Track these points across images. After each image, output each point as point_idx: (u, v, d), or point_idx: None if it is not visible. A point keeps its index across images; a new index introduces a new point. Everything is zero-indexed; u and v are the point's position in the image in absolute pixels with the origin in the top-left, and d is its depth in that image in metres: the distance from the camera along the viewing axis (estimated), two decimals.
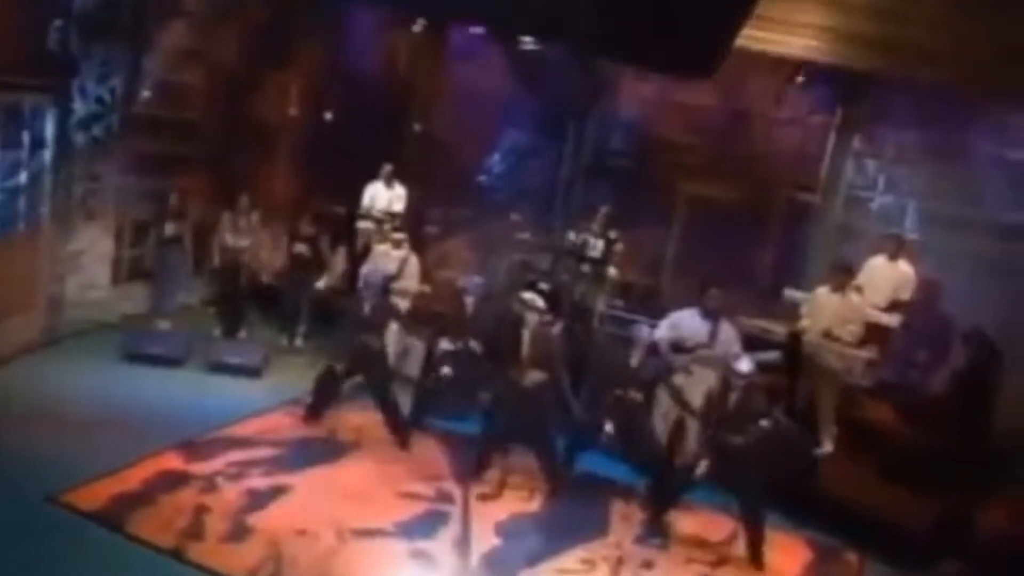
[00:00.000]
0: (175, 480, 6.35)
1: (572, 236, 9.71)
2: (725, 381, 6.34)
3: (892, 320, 8.26)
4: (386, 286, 7.87)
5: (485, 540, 6.12)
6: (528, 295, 7.32)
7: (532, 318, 6.89)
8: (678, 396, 6.94)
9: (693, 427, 7.24)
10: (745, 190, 10.29)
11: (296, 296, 9.42)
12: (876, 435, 7.90)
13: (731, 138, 10.45)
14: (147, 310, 9.45)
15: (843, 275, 7.80)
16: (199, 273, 9.96)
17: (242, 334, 9.39)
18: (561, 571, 5.93)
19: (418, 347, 8.64)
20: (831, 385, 7.77)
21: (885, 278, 8.38)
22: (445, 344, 7.53)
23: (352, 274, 9.67)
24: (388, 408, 7.27)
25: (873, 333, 8.06)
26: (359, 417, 7.71)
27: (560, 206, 11.29)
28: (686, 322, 7.38)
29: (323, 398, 7.44)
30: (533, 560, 5.97)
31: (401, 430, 7.24)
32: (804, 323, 7.92)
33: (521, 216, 10.09)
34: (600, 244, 9.67)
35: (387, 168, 10.10)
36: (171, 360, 8.41)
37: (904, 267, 8.53)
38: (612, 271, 9.60)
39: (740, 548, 6.41)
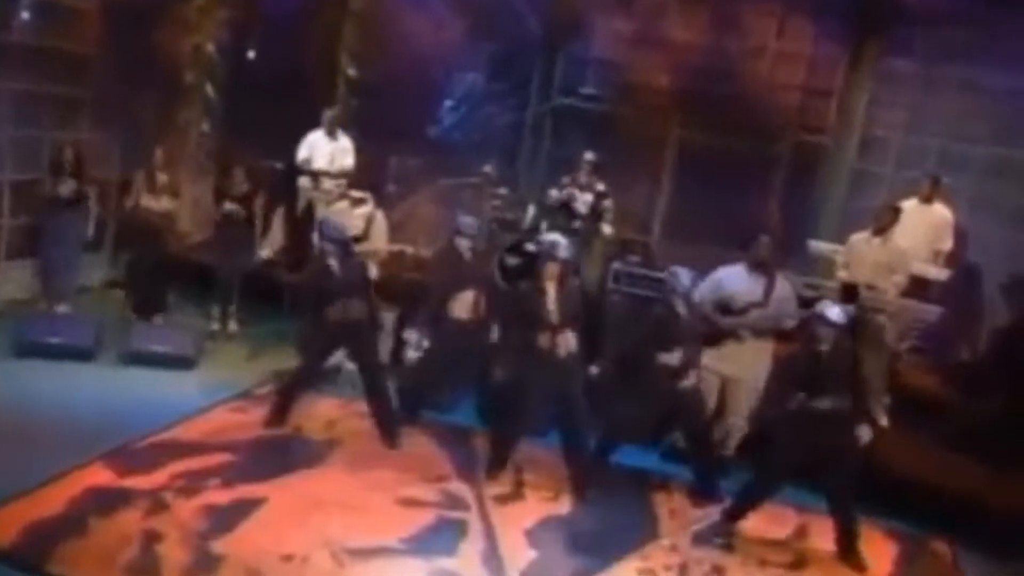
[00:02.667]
0: (109, 500, 5.37)
1: (554, 192, 8.95)
2: (810, 335, 5.62)
3: (939, 273, 7.73)
4: (349, 248, 6.85)
5: (518, 553, 5.35)
6: (551, 236, 6.46)
7: (552, 269, 6.02)
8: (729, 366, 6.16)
9: (744, 403, 6.64)
10: (744, 135, 9.68)
11: (228, 270, 8.33)
12: (927, 405, 7.41)
13: (726, 76, 9.83)
14: (37, 293, 8.25)
15: (888, 217, 7.22)
16: (101, 245, 8.76)
17: (158, 319, 8.25)
18: None
19: (388, 324, 7.76)
20: (880, 347, 7.19)
21: (920, 223, 7.83)
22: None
23: (294, 242, 8.69)
24: (379, 395, 6.30)
25: (915, 288, 7.53)
26: (329, 409, 6.80)
27: (527, 157, 10.49)
28: (733, 279, 6.68)
29: (288, 400, 6.47)
30: (582, 575, 5.20)
31: (390, 424, 6.29)
32: (841, 275, 7.32)
33: (493, 168, 9.21)
34: (588, 198, 8.96)
35: (330, 114, 9.08)
36: (78, 352, 7.31)
37: (941, 210, 8.04)
38: (607, 229, 8.88)
39: (815, 543, 5.82)
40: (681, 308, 6.07)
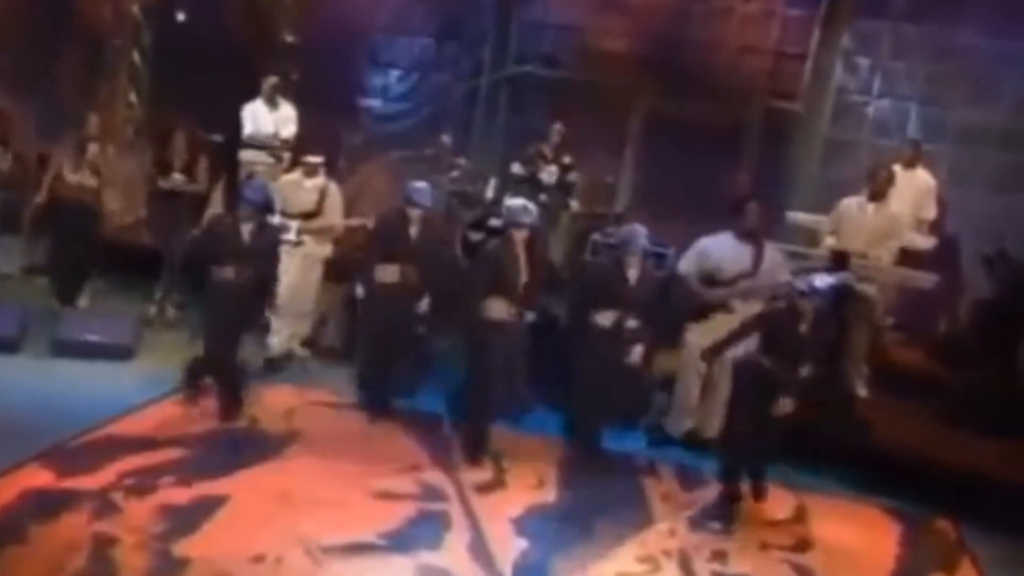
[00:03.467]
0: (51, 503, 5.06)
1: (516, 165, 8.82)
2: (791, 306, 5.57)
3: (925, 242, 7.77)
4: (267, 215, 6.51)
5: (507, 544, 5.20)
6: (516, 201, 6.30)
7: (519, 235, 5.94)
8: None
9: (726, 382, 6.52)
10: (713, 102, 9.64)
11: (167, 249, 7.99)
12: (917, 381, 7.46)
13: (692, 40, 9.80)
14: None
15: (884, 180, 7.18)
16: (16, 227, 8.33)
17: (83, 302, 7.87)
18: (620, 575, 5.06)
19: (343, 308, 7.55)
20: (865, 318, 7.19)
21: (905, 189, 7.80)
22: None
23: None
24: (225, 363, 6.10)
25: (901, 259, 7.54)
26: (285, 398, 6.56)
27: (481, 129, 10.31)
28: (719, 248, 6.59)
29: (234, 390, 6.19)
30: (578, 564, 5.11)
31: (233, 395, 6.13)
32: (829, 242, 7.29)
33: (450, 138, 9.01)
34: (553, 170, 8.85)
35: (271, 82, 8.78)
36: (1, 343, 6.88)
37: (925, 176, 8.08)
38: (574, 204, 8.78)
39: (816, 525, 5.80)
40: (632, 269, 5.97)
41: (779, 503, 5.95)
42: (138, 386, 6.65)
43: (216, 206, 8.36)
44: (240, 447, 5.89)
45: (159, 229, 8.06)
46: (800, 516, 5.91)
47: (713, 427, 6.78)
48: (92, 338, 7.06)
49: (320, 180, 7.44)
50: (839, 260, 6.81)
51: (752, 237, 6.56)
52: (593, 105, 9.77)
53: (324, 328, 7.69)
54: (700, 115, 9.70)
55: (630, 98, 9.98)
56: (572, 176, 8.89)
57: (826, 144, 9.40)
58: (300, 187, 7.38)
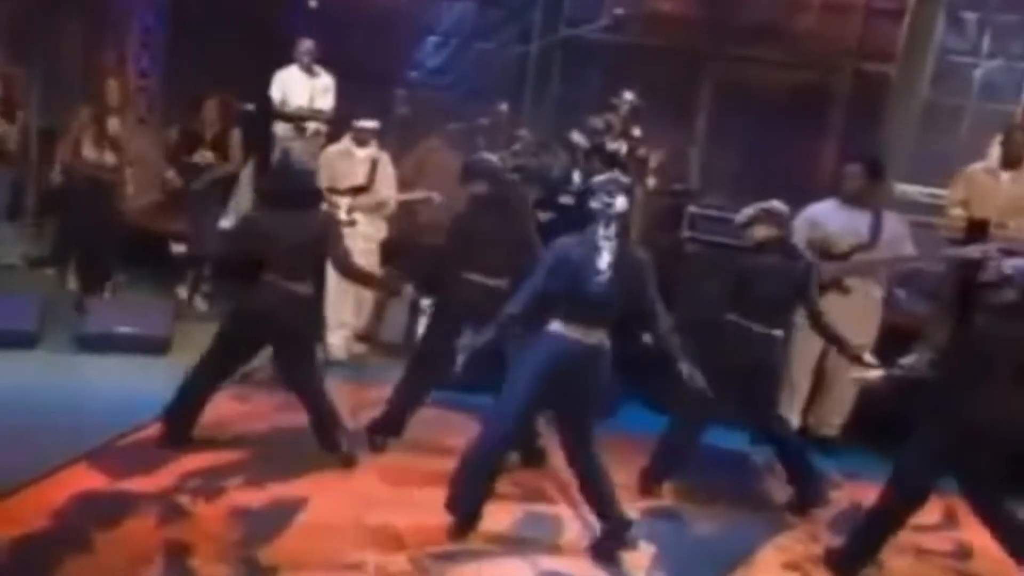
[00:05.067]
0: (109, 507, 4.88)
1: (576, 136, 8.64)
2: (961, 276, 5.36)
3: None
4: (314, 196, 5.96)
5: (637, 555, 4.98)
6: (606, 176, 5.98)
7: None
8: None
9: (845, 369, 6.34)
10: (794, 67, 9.53)
11: (195, 236, 7.83)
12: None
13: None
14: None
15: (1019, 144, 6.96)
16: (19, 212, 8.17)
17: (106, 295, 7.71)
18: None
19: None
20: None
21: None
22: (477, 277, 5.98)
23: None
24: (315, 399, 5.58)
25: None
26: (348, 396, 6.43)
27: (531, 100, 10.15)
28: (830, 216, 6.43)
29: (185, 414, 5.63)
30: (718, 572, 4.96)
31: (332, 435, 5.58)
32: (956, 212, 7.11)
33: (507, 108, 8.87)
34: (621, 146, 8.67)
35: (306, 45, 8.64)
36: (21, 336, 6.74)
37: None
38: (650, 180, 8.60)
39: (971, 532, 5.55)
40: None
41: (927, 507, 5.73)
42: (177, 383, 6.45)
43: (245, 188, 8.17)
44: (308, 447, 5.67)
45: (190, 214, 7.88)
46: (952, 520, 5.76)
47: (832, 424, 6.65)
48: (124, 330, 6.91)
49: (372, 150, 7.29)
50: (976, 231, 6.63)
51: (864, 203, 6.39)
52: (657, 73, 9.59)
53: (381, 321, 7.55)
54: (779, 82, 9.58)
55: (699, 64, 9.87)
56: (642, 151, 8.72)
57: (926, 110, 9.25)
58: (350, 158, 7.23)
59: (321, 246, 5.50)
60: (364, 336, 7.51)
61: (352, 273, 5.80)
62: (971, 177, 7.17)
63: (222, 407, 6.02)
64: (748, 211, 5.70)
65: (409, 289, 5.79)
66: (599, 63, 10.06)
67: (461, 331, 5.71)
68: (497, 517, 5.10)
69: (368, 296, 7.32)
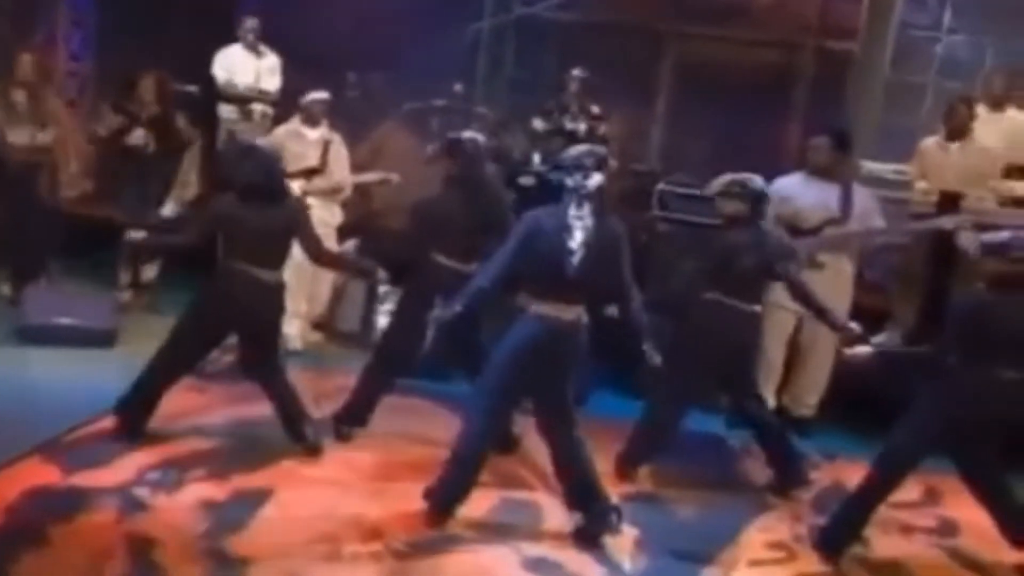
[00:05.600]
0: (64, 501, 4.78)
1: (538, 122, 8.68)
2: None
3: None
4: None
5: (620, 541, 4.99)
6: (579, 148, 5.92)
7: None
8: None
9: (827, 348, 6.46)
10: (755, 45, 9.63)
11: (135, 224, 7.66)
12: None
13: None
14: None
15: (960, 114, 7.20)
16: None
17: (42, 285, 7.54)
18: (754, 564, 4.96)
19: (360, 284, 7.48)
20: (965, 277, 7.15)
21: (992, 134, 7.79)
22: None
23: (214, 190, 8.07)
24: (279, 389, 5.55)
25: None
26: (309, 384, 6.31)
27: (483, 81, 10.16)
28: (798, 191, 6.49)
29: (141, 406, 5.54)
30: (703, 552, 4.99)
31: (298, 425, 5.53)
32: (921, 185, 7.30)
33: (464, 87, 8.87)
34: (581, 125, 8.74)
35: (250, 23, 8.55)
36: None
37: (1016, 115, 8.06)
38: (612, 161, 8.66)
39: (954, 507, 5.71)
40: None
41: (907, 485, 5.82)
42: (124, 375, 6.30)
43: (189, 174, 8.06)
44: (271, 437, 5.62)
45: (123, 199, 7.73)
46: (934, 497, 5.86)
47: (807, 403, 6.72)
48: (66, 322, 6.78)
49: (324, 130, 7.24)
50: (947, 204, 6.76)
51: (832, 177, 6.47)
52: (615, 52, 9.70)
53: (337, 310, 7.54)
54: (741, 60, 9.68)
55: (658, 43, 9.96)
56: (603, 129, 8.77)
57: (889, 88, 9.40)
58: (301, 139, 7.17)
59: (290, 232, 5.45)
60: (320, 325, 7.45)
61: (324, 258, 5.76)
62: (924, 151, 7.38)
63: (176, 400, 5.90)
64: (720, 181, 5.72)
65: (382, 272, 5.72)
66: (554, 42, 10.15)
67: (425, 314, 5.70)
68: (475, 504, 5.06)
69: (324, 284, 7.27)
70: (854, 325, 5.44)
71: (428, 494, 4.87)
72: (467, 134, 5.89)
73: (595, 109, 8.79)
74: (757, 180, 5.70)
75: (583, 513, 4.90)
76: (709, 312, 5.62)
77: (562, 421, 4.89)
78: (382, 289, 7.57)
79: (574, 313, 4.78)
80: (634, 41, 9.80)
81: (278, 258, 5.47)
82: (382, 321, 7.42)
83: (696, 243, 6.34)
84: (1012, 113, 8.04)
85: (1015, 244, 4.88)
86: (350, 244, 5.91)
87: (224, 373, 6.40)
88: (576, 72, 8.75)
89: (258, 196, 5.39)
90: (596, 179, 4.79)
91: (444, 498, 4.85)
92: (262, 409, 5.88)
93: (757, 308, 5.67)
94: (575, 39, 9.95)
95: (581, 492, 4.91)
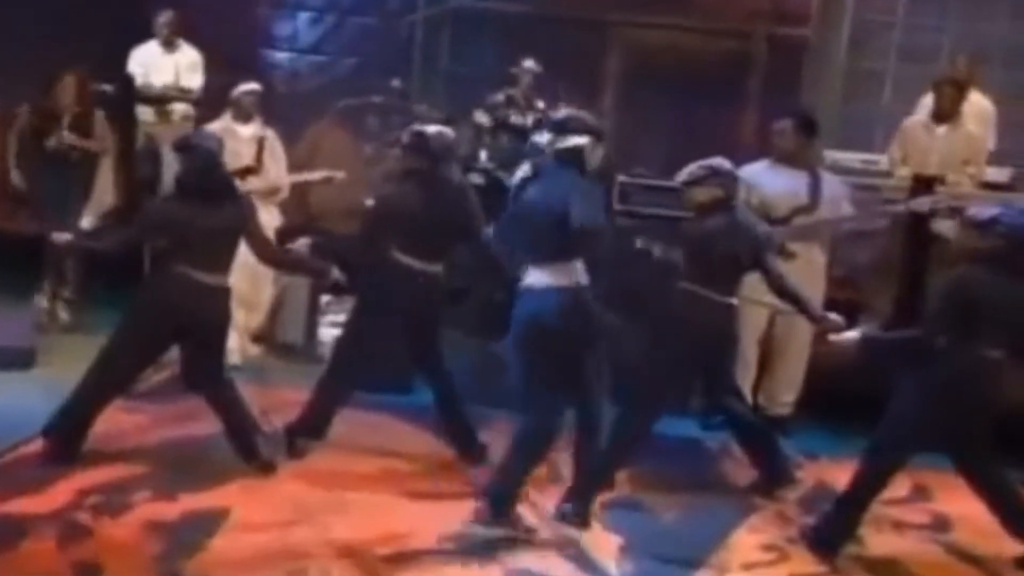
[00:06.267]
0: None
1: (481, 116, 8.71)
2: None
3: (999, 174, 7.98)
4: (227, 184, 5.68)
5: (599, 540, 5.08)
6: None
7: None
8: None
9: (802, 342, 6.60)
10: (705, 33, 9.78)
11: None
12: None
13: None
14: None
15: (949, 96, 7.38)
16: None
17: None
18: (747, 567, 5.01)
19: (302, 294, 7.46)
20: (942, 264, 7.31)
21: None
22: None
23: (132, 202, 7.92)
24: (227, 402, 5.51)
25: None
26: (254, 399, 6.21)
27: (420, 77, 10.16)
28: (766, 178, 6.57)
29: (75, 427, 5.45)
30: (695, 557, 5.03)
31: (248, 440, 5.50)
32: (902, 172, 7.45)
33: (402, 83, 8.88)
34: (527, 119, 8.79)
35: (166, 17, 8.47)
36: None
37: (981, 102, 8.29)
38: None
39: (945, 502, 5.84)
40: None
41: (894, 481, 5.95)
42: (46, 398, 6.20)
43: (104, 186, 7.88)
44: (222, 455, 5.54)
45: (42, 207, 7.57)
46: (923, 493, 5.97)
47: (784, 402, 6.81)
48: None
49: (257, 126, 7.20)
50: (922, 188, 6.90)
51: (799, 163, 6.56)
52: (557, 43, 9.70)
53: (278, 321, 7.51)
54: (691, 49, 9.80)
55: (603, 33, 10.04)
56: None
57: (846, 76, 9.60)
58: (233, 136, 7.06)
59: (236, 232, 5.39)
60: (259, 337, 7.37)
61: (275, 259, 5.72)
62: (907, 133, 7.55)
63: (108, 421, 5.80)
64: (691, 169, 5.78)
65: (337, 272, 5.67)
66: (493, 34, 10.16)
67: (391, 323, 5.69)
68: (446, 516, 5.06)
69: (264, 293, 7.21)
70: (834, 316, 5.51)
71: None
72: (433, 128, 5.86)
73: (541, 104, 8.84)
74: (728, 163, 5.77)
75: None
76: (683, 304, 5.66)
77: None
78: (324, 299, 7.57)
79: (572, 277, 4.93)
80: (578, 32, 9.85)
81: (224, 260, 5.40)
82: (325, 332, 7.46)
83: (664, 234, 6.39)
84: (976, 98, 8.28)
85: (1003, 219, 4.99)
86: (303, 243, 5.81)
87: (157, 392, 6.36)
88: (528, 64, 8.82)
89: (200, 193, 5.32)
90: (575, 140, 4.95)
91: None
92: (205, 427, 5.84)
93: (733, 300, 5.73)
94: (515, 30, 9.97)
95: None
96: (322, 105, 9.04)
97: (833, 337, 5.32)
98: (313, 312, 7.51)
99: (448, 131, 5.90)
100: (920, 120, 7.48)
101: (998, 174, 7.96)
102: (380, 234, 5.71)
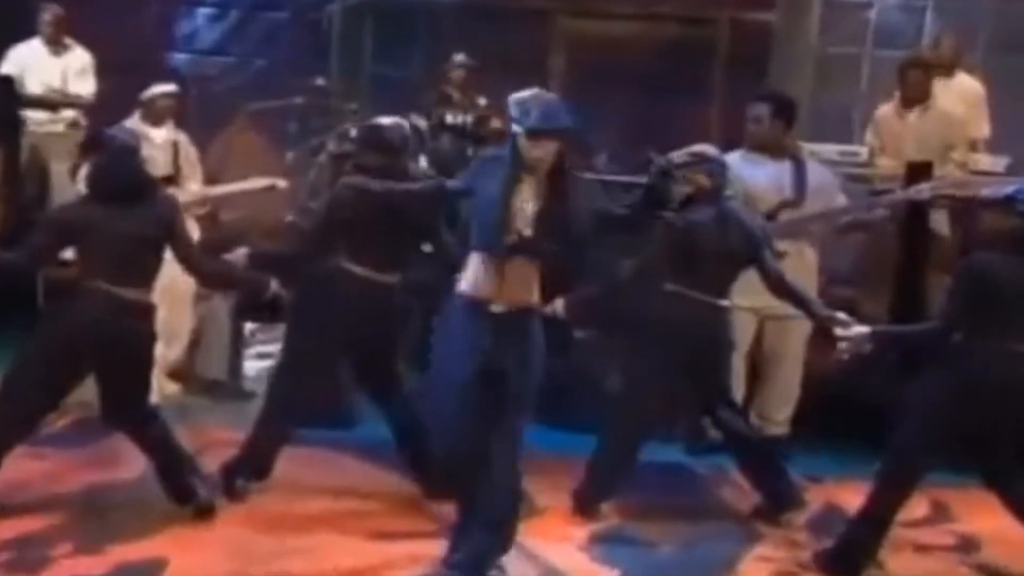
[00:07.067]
0: None
1: (415, 119, 8.71)
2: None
3: (994, 162, 8.18)
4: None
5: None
6: None
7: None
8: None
9: (795, 354, 6.70)
10: (658, 20, 9.93)
11: None
12: None
13: None
14: None
15: (915, 79, 7.69)
16: None
17: None
18: None
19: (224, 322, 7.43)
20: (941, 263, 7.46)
21: (947, 100, 8.18)
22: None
23: (15, 216, 7.88)
24: (157, 439, 5.40)
25: None
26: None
27: (339, 77, 10.18)
28: (748, 170, 6.58)
29: None
30: None
31: (183, 481, 5.41)
32: (883, 162, 7.69)
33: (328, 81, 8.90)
34: (466, 117, 8.87)
35: (52, 13, 8.40)
36: None
37: (970, 83, 8.53)
38: None
39: (968, 521, 5.97)
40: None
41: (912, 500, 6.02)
42: None
43: None
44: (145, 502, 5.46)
45: None
46: (944, 512, 6.09)
47: (778, 420, 6.87)
48: None
49: (170, 130, 7.17)
50: (918, 174, 7.05)
51: (777, 152, 6.63)
52: (492, 36, 9.82)
53: (198, 354, 7.44)
54: (643, 37, 9.95)
55: (544, 23, 10.14)
56: (495, 124, 8.89)
57: (818, 62, 9.79)
58: (145, 140, 6.95)
59: (159, 239, 5.28)
60: (177, 374, 7.27)
61: (206, 272, 5.61)
62: (879, 121, 7.85)
63: (13, 468, 5.67)
64: (673, 157, 5.83)
65: (275, 285, 5.61)
66: (421, 28, 10.21)
67: (340, 342, 5.65)
68: (421, 556, 5.05)
69: (182, 322, 7.12)
70: (842, 315, 5.57)
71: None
72: (389, 120, 5.86)
73: (482, 101, 8.92)
74: (714, 149, 5.85)
75: None
76: (668, 308, 5.71)
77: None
78: (249, 327, 7.52)
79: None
80: (514, 23, 9.96)
81: (146, 272, 5.29)
82: (252, 366, 7.42)
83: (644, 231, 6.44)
84: (962, 78, 8.53)
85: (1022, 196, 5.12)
86: (239, 253, 5.74)
87: (63, 436, 6.30)
88: (460, 59, 8.89)
89: (115, 194, 5.22)
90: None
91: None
92: (128, 470, 5.82)
93: (725, 302, 5.79)
94: (444, 23, 10.08)
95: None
96: (229, 113, 8.99)
97: (840, 333, 5.37)
98: (237, 343, 7.46)
99: (405, 123, 5.89)
100: (891, 107, 7.79)
101: (994, 163, 8.16)
102: (329, 241, 5.68)
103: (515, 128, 4.58)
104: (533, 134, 4.51)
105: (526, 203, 4.61)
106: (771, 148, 6.68)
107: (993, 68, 9.29)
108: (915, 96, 7.68)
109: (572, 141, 4.79)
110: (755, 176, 6.62)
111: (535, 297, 4.76)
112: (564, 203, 4.64)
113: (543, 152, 4.53)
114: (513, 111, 4.60)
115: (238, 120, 8.80)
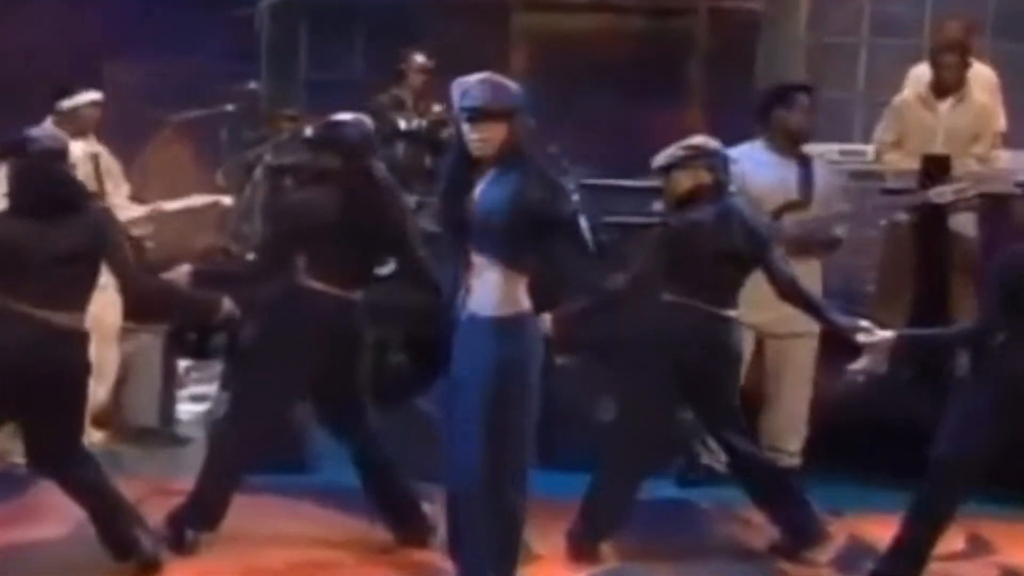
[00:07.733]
0: None
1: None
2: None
3: (1015, 158, 8.25)
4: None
5: None
6: None
7: None
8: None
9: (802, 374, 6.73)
10: (631, 12, 10.01)
11: None
12: None
13: None
14: None
15: (952, 63, 7.65)
16: None
17: None
18: None
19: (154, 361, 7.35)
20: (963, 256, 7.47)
21: None
22: None
23: None
24: (94, 488, 5.31)
25: None
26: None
27: (273, 83, 10.16)
28: (757, 166, 6.65)
29: None
30: None
31: (125, 534, 5.30)
32: (891, 158, 7.72)
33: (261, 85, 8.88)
34: (420, 123, 8.89)
35: None
36: None
37: (983, 72, 8.56)
38: None
39: (1010, 553, 6.04)
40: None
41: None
42: None
43: None
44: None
45: None
46: (984, 545, 6.13)
47: (788, 450, 6.86)
48: None
49: (88, 144, 7.13)
50: (937, 171, 7.08)
51: (785, 150, 6.71)
52: (442, 34, 9.85)
53: (124, 399, 7.37)
54: (614, 31, 9.99)
55: (500, 18, 10.18)
56: (447, 132, 8.90)
57: (810, 53, 9.86)
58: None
59: (93, 255, 5.18)
60: (101, 420, 7.16)
61: (147, 291, 5.53)
62: (902, 111, 7.82)
63: None
64: (669, 152, 5.84)
65: (228, 304, 5.54)
66: (359, 26, 10.22)
67: (297, 372, 5.59)
68: None
69: (110, 359, 7.02)
70: (864, 322, 5.58)
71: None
72: (350, 116, 5.82)
73: (437, 108, 8.95)
74: (715, 142, 5.85)
75: None
76: (667, 321, 5.70)
77: None
78: (183, 364, 7.47)
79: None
80: (467, 19, 9.96)
81: (78, 294, 5.19)
82: (185, 409, 7.35)
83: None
84: (978, 67, 8.57)
85: None
86: (182, 271, 5.67)
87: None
88: (419, 60, 8.94)
89: (40, 206, 5.12)
90: None
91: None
92: (55, 527, 5.76)
93: (730, 312, 5.77)
94: (389, 20, 10.07)
95: None
96: (146, 123, 8.96)
97: (863, 339, 5.39)
98: (169, 384, 7.38)
99: (366, 119, 5.86)
100: (916, 95, 7.74)
101: (1015, 159, 8.22)
102: (285, 255, 5.63)
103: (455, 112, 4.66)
104: (469, 116, 4.56)
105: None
106: (798, 143, 6.80)
107: (996, 55, 9.44)
108: (950, 84, 7.65)
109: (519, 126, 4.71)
110: (764, 173, 6.68)
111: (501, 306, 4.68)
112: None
113: (481, 135, 4.55)
114: (454, 94, 4.66)
115: (159, 134, 8.68)
